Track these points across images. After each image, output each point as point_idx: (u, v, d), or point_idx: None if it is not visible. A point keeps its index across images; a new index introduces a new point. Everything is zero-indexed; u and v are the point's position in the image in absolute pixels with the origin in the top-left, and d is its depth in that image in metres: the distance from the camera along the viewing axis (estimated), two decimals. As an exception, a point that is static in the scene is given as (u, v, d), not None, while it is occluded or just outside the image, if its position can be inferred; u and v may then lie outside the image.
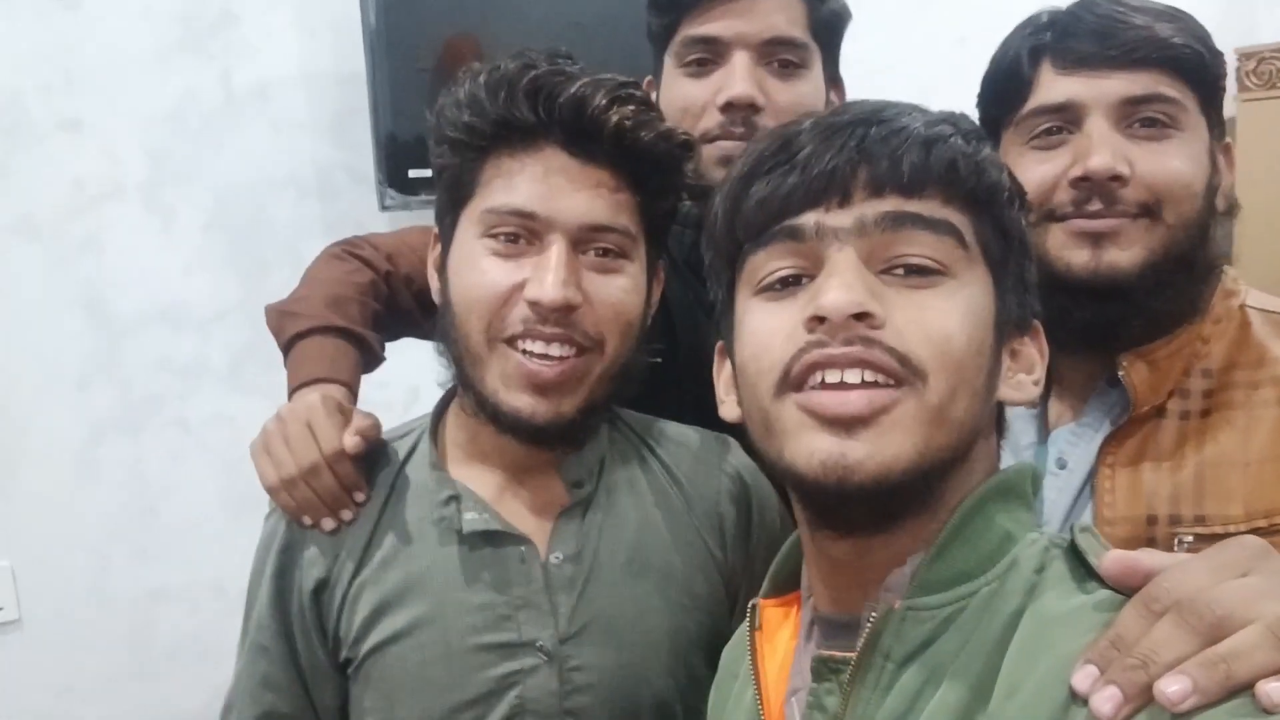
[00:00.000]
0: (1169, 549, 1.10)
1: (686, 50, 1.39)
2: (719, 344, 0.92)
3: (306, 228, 2.45)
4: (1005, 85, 1.19)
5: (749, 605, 0.92)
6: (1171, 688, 0.58)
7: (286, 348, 1.35)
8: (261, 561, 1.20)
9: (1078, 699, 0.63)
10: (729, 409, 0.90)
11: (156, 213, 2.36)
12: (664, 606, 1.17)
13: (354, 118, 2.43)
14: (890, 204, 0.77)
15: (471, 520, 1.14)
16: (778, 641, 0.90)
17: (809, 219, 0.78)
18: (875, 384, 0.74)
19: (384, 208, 2.40)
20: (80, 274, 2.30)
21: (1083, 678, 0.63)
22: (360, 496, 1.17)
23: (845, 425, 0.74)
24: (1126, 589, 0.67)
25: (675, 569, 1.19)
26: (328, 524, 1.16)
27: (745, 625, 0.91)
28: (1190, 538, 1.11)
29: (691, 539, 1.21)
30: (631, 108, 1.08)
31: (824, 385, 0.75)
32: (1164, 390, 1.15)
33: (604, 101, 1.07)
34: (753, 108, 1.35)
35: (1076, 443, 1.19)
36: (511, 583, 1.13)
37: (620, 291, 1.12)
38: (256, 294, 2.38)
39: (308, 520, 1.17)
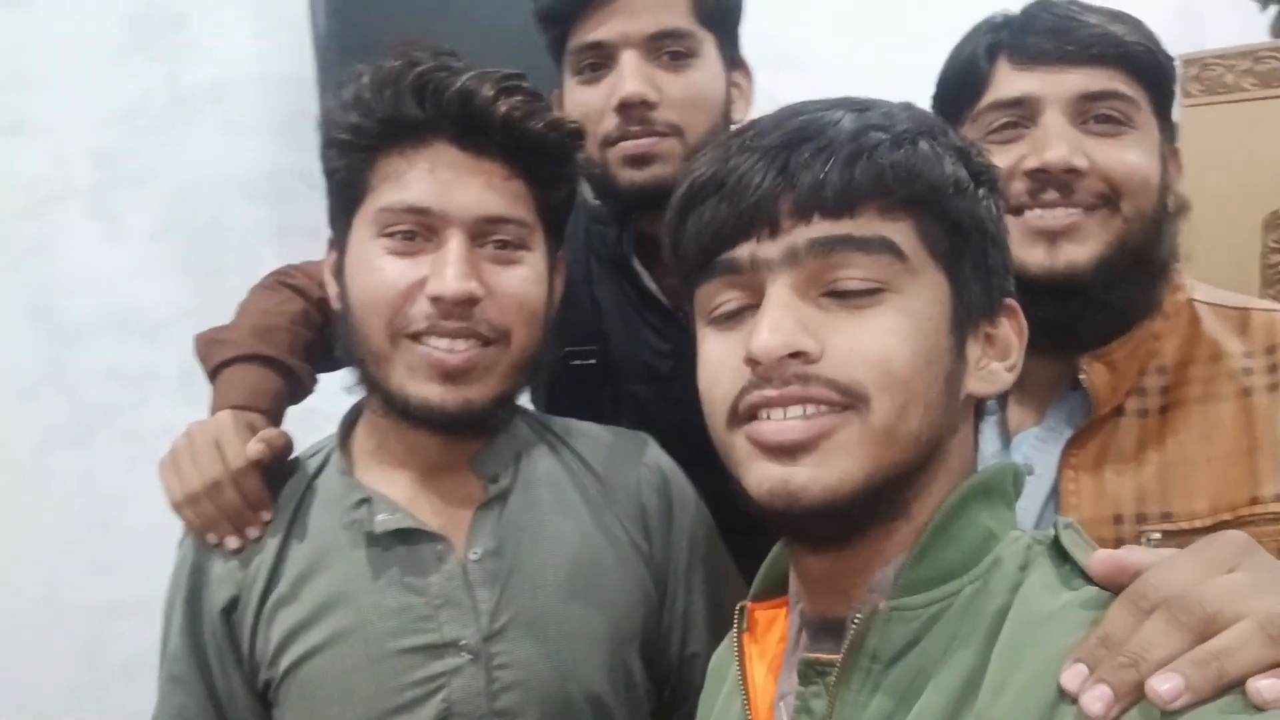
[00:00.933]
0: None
1: (578, 58, 1.40)
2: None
3: (259, 232, 2.42)
4: (962, 82, 1.20)
5: (737, 608, 0.91)
6: (1163, 686, 0.58)
7: (212, 375, 1.34)
8: (173, 589, 1.18)
9: (1066, 697, 0.63)
10: None
11: (105, 217, 2.32)
12: (590, 600, 1.16)
13: (306, 121, 2.39)
14: (819, 229, 0.75)
15: (383, 521, 1.12)
16: (767, 644, 0.89)
17: (743, 251, 0.77)
18: (817, 414, 0.74)
19: (338, 212, 2.36)
20: (28, 279, 2.25)
21: (1072, 676, 0.63)
22: (266, 515, 1.16)
23: (788, 452, 0.74)
24: (1114, 587, 0.66)
25: (599, 562, 1.18)
26: (232, 542, 1.15)
27: (734, 630, 0.91)
28: (1158, 535, 1.11)
29: (614, 531, 1.21)
30: (519, 98, 1.09)
31: (769, 419, 0.75)
32: (1123, 390, 1.16)
33: (491, 93, 1.07)
34: (645, 104, 1.35)
35: (1041, 447, 1.19)
36: (429, 582, 1.12)
37: (521, 282, 1.11)
38: (209, 300, 2.34)
39: (213, 538, 1.15)
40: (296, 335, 1.37)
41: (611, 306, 1.54)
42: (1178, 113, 3.06)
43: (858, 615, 0.75)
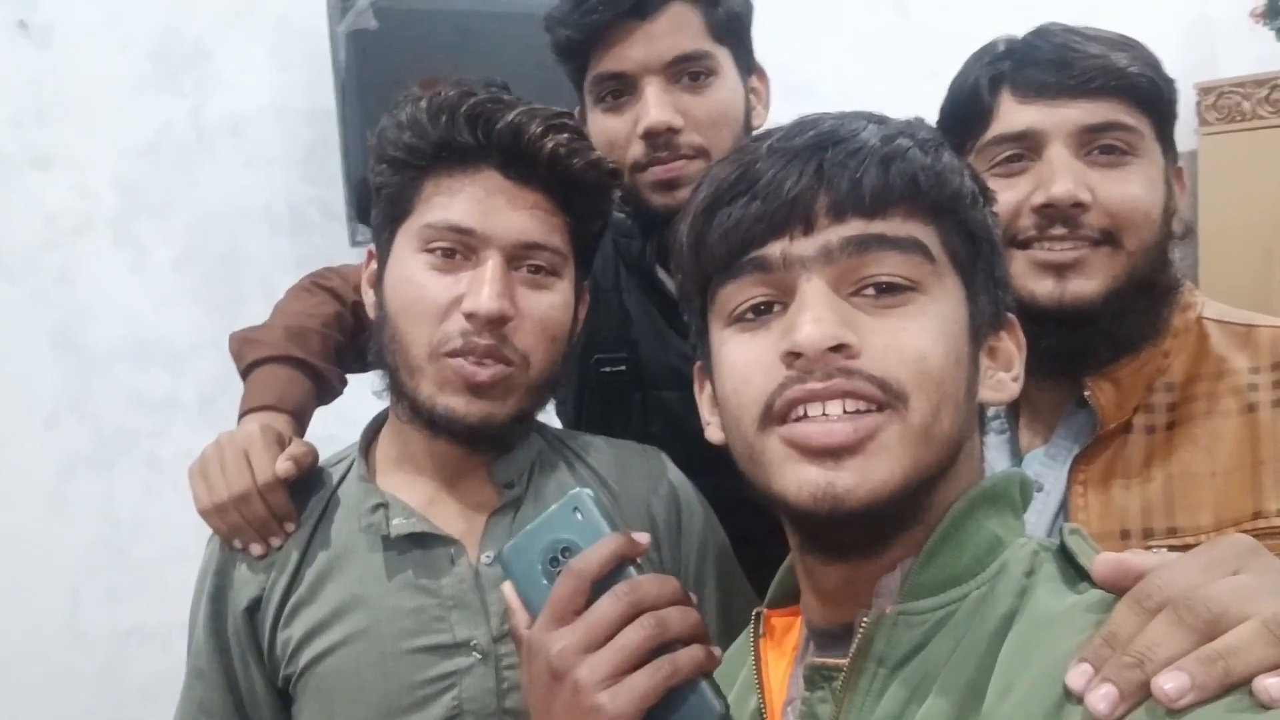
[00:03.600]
0: None
1: (598, 88, 1.41)
2: (698, 364, 0.92)
3: (278, 262, 2.45)
4: (966, 113, 1.21)
5: (754, 613, 0.92)
6: (1169, 684, 0.58)
7: (244, 374, 1.37)
8: (199, 586, 1.21)
9: (1072, 697, 0.62)
10: (713, 431, 0.88)
11: (128, 247, 2.35)
12: None
13: (326, 153, 2.43)
14: (854, 227, 0.76)
15: (399, 525, 1.15)
16: (784, 649, 0.89)
17: (775, 249, 0.78)
18: (858, 411, 0.73)
19: (355, 243, 2.40)
20: (52, 309, 2.28)
21: (1077, 676, 0.62)
22: (290, 526, 1.19)
23: (832, 455, 0.73)
24: (1118, 590, 0.66)
25: None
26: (256, 549, 1.18)
27: (747, 632, 0.91)
28: (1164, 550, 1.12)
29: None
30: (565, 136, 1.13)
31: (807, 418, 0.74)
32: (1129, 407, 1.17)
33: (540, 129, 1.11)
34: (670, 131, 1.36)
35: (1050, 464, 1.21)
36: (442, 584, 1.15)
37: (550, 308, 1.15)
38: (228, 329, 2.37)
39: (237, 544, 1.19)
40: (328, 338, 1.40)
41: (641, 314, 1.56)
42: (1194, 141, 3.05)
43: (864, 620, 0.75)
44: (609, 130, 1.41)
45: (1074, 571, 0.72)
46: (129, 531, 2.33)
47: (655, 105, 1.35)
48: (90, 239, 2.31)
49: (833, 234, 0.76)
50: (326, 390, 1.40)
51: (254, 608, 1.17)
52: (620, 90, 1.39)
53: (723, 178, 0.82)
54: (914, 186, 0.78)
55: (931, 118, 1.23)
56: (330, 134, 2.39)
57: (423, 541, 1.16)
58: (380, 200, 1.19)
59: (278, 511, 1.18)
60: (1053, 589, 0.72)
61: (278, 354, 1.36)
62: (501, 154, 1.12)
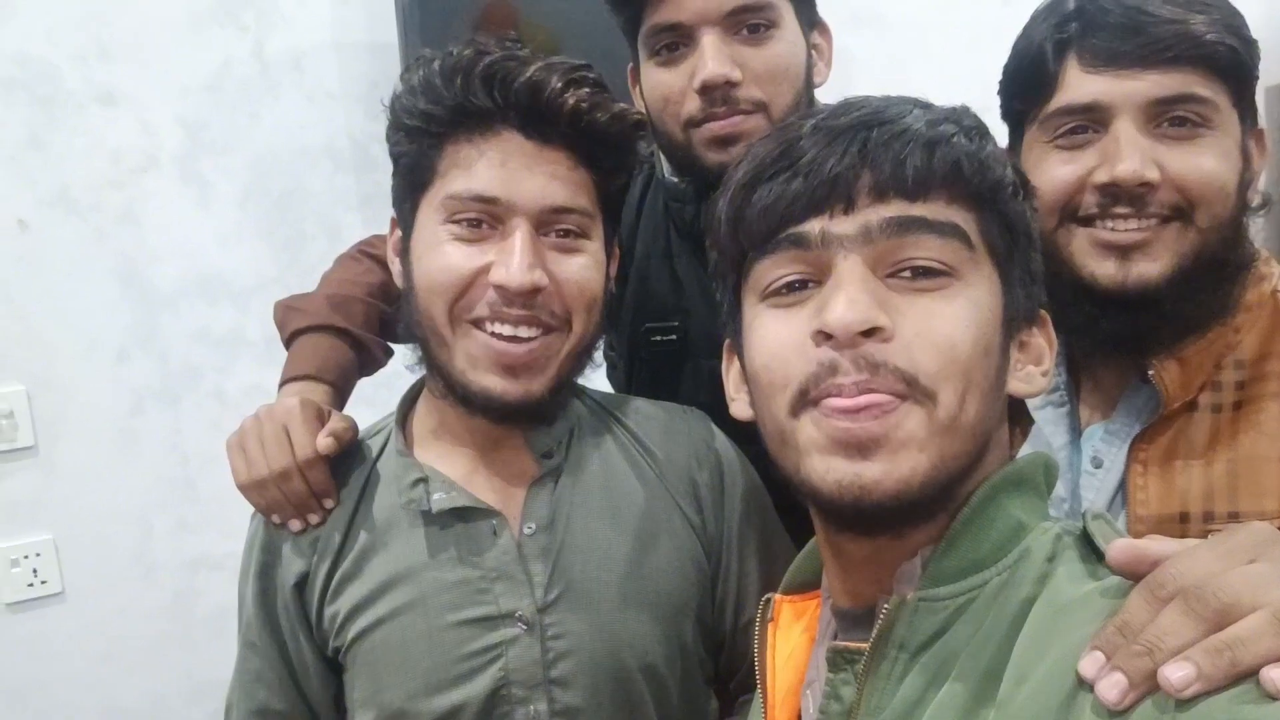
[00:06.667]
0: None
1: (654, 40, 1.36)
2: (727, 341, 0.92)
3: (342, 199, 2.46)
4: (1029, 79, 1.15)
5: (763, 599, 0.93)
6: (1176, 674, 0.58)
7: (287, 343, 1.37)
8: (246, 561, 1.23)
9: (1085, 685, 0.63)
10: (740, 407, 0.90)
11: (193, 185, 2.36)
12: (641, 573, 1.18)
13: (388, 87, 2.41)
14: (895, 209, 0.76)
15: (440, 500, 1.15)
16: (790, 635, 0.91)
17: (814, 226, 0.78)
18: (884, 410, 0.74)
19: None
20: (118, 247, 2.30)
21: (1089, 664, 0.63)
22: (329, 503, 1.19)
23: (859, 448, 0.74)
24: (1134, 576, 0.66)
25: (650, 535, 1.20)
26: (295, 525, 1.19)
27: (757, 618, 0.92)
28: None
29: (666, 505, 1.23)
30: (586, 89, 1.10)
31: (838, 411, 0.75)
32: (1195, 386, 1.11)
33: (560, 84, 1.08)
34: (729, 84, 1.31)
35: (1111, 441, 1.17)
36: (485, 557, 1.15)
37: (583, 269, 1.13)
38: (293, 266, 2.40)
39: (276, 519, 1.19)
40: (371, 307, 1.40)
41: (693, 280, 1.53)
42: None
43: (886, 605, 0.76)
44: (663, 84, 1.36)
45: (1096, 557, 0.72)
46: (196, 465, 2.37)
47: (713, 57, 1.30)
48: (155, 177, 2.32)
49: (873, 214, 0.76)
50: (369, 360, 1.40)
51: (301, 583, 1.18)
52: (676, 42, 1.34)
53: (764, 154, 0.82)
54: (957, 172, 0.77)
55: (1002, 47, 1.20)
56: (392, 68, 2.37)
57: (464, 515, 1.16)
58: (399, 169, 1.17)
59: (318, 488, 1.18)
60: (1073, 574, 0.72)
61: (319, 323, 1.36)
62: (520, 114, 1.09)
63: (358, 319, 1.38)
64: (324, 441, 1.18)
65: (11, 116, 2.18)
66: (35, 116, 2.20)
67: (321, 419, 1.22)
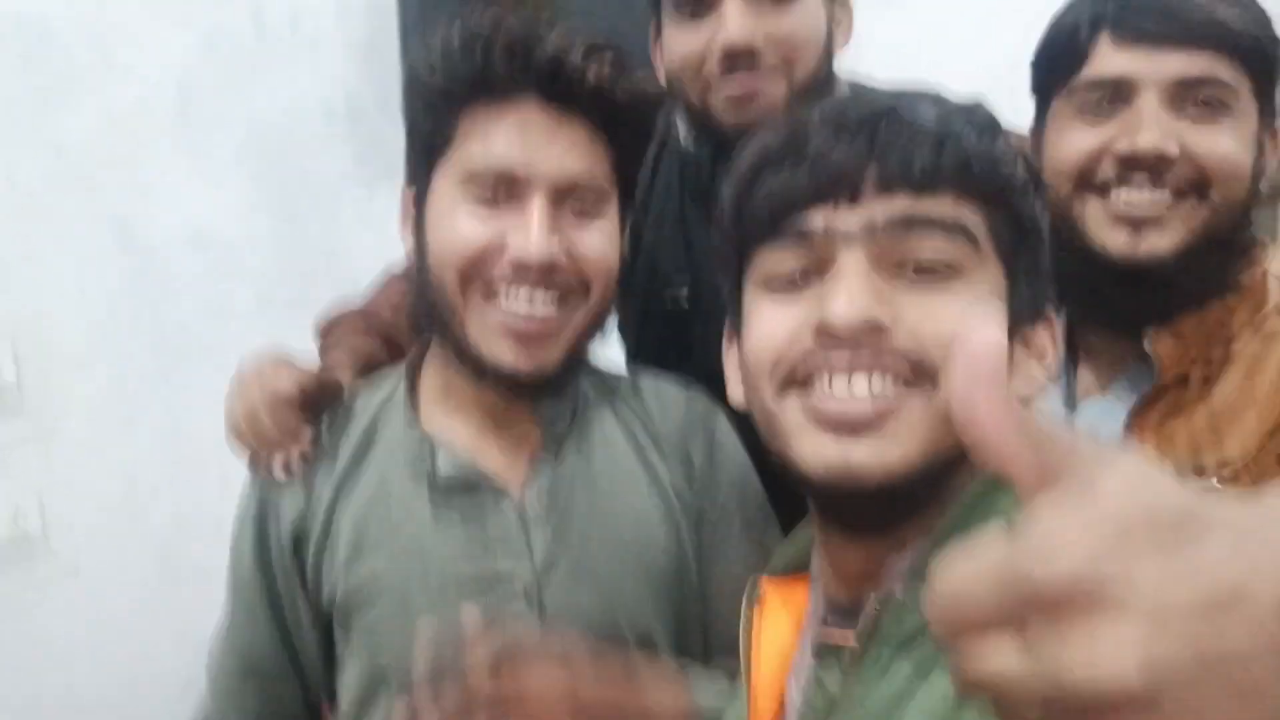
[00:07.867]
0: None
1: None
2: (727, 327, 0.92)
3: (337, 156, 2.44)
4: (1060, 51, 1.18)
5: (749, 580, 0.93)
6: None
7: (322, 349, 1.40)
8: (242, 514, 1.22)
9: None
10: (734, 389, 0.90)
11: (186, 144, 2.34)
12: (635, 546, 1.19)
13: (385, 44, 2.40)
14: (900, 205, 0.76)
15: (445, 465, 1.16)
16: (777, 619, 0.91)
17: (817, 217, 0.77)
18: (884, 390, 0.74)
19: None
20: (111, 202, 2.28)
21: None
22: (300, 448, 1.19)
23: (849, 428, 0.74)
24: None
25: (645, 509, 1.21)
26: (277, 471, 1.19)
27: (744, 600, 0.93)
28: (1215, 482, 1.11)
29: (662, 481, 1.23)
30: (607, 62, 1.09)
31: (830, 389, 0.74)
32: (1188, 360, 1.15)
33: (580, 56, 1.07)
34: (750, 52, 1.31)
35: (1109, 412, 1.19)
36: (486, 524, 1.15)
37: (600, 241, 1.13)
38: (288, 224, 2.38)
39: (258, 469, 1.20)
40: (400, 314, 1.42)
41: (700, 246, 1.53)
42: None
43: (875, 601, 0.76)
44: (685, 43, 1.35)
45: None
46: (186, 421, 2.36)
47: (735, 22, 1.30)
48: (151, 132, 2.29)
49: (878, 209, 0.76)
50: (396, 354, 1.40)
51: (297, 535, 1.18)
52: (700, 1, 1.33)
53: (771, 142, 0.81)
54: (965, 169, 0.76)
55: (1028, 29, 1.20)
56: (390, 26, 2.36)
57: (468, 481, 1.16)
58: (415, 136, 1.16)
59: (284, 429, 1.18)
60: None
61: (348, 311, 1.40)
62: (540, 85, 1.08)
63: (385, 322, 1.41)
64: (285, 384, 1.18)
65: (7, 75, 2.15)
66: (32, 75, 2.17)
67: (299, 371, 1.23)
